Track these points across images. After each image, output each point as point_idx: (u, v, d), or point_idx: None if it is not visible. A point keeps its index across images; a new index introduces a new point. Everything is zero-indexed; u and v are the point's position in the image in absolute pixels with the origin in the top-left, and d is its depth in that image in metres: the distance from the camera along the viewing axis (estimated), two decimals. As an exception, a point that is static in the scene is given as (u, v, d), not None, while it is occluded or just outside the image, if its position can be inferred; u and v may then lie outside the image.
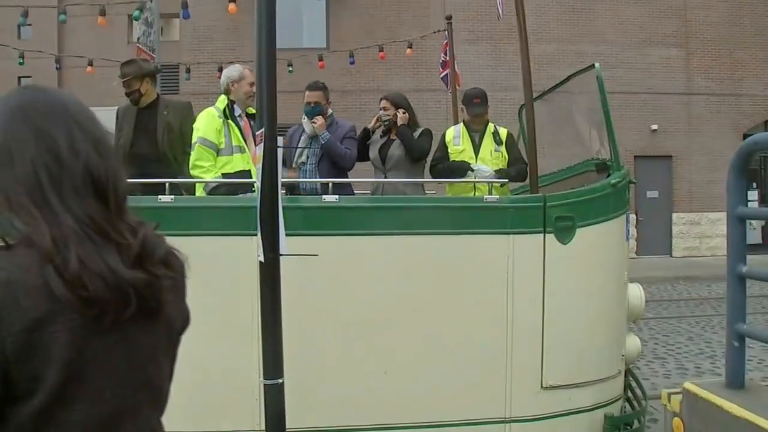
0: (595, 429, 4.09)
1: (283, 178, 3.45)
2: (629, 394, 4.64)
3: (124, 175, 1.20)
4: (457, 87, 8.04)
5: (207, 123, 4.70)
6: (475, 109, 5.33)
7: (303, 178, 4.96)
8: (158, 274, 1.13)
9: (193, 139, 4.70)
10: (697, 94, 17.73)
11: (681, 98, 17.65)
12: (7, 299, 1.00)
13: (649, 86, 17.32)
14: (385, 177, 5.12)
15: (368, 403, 3.80)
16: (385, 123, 5.19)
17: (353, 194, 5.14)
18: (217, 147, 4.68)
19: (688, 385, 3.63)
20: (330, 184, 4.24)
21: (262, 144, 2.91)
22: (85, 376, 1.06)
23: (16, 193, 1.07)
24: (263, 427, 3.04)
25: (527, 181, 4.78)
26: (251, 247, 3.18)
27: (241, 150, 4.74)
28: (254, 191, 3.50)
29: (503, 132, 5.39)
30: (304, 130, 5.13)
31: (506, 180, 5.04)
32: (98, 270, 1.04)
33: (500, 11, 5.42)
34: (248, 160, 4.65)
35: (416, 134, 5.14)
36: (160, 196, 3.73)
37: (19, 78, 30.52)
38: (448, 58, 8.31)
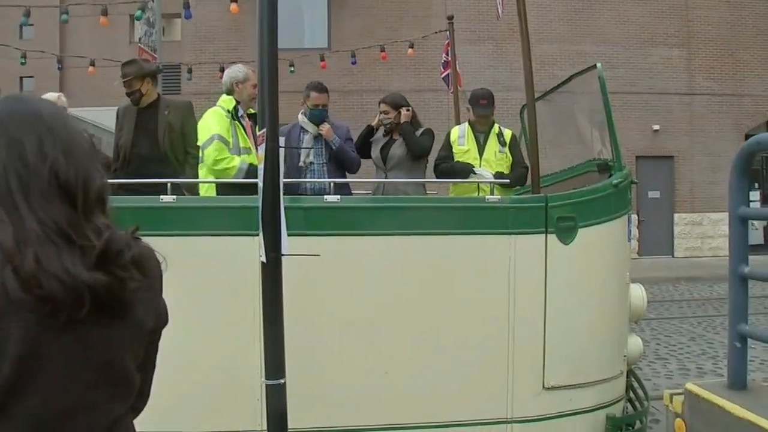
0: (597, 430, 4.09)
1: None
2: (631, 394, 4.63)
3: (99, 176, 1.23)
4: (458, 87, 8.05)
5: (219, 121, 4.72)
6: (481, 110, 5.33)
7: (311, 178, 4.96)
8: (122, 276, 1.17)
9: (205, 137, 4.69)
10: (699, 95, 17.71)
11: (683, 98, 17.64)
12: None
13: (650, 86, 17.31)
14: (386, 176, 5.13)
15: (369, 403, 3.79)
16: (387, 126, 5.20)
17: (351, 194, 5.14)
18: (228, 146, 4.71)
19: (690, 385, 3.62)
20: (332, 184, 4.25)
21: (264, 144, 2.91)
22: (38, 371, 1.10)
23: None
24: (265, 427, 3.04)
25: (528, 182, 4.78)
26: (253, 247, 3.18)
27: (248, 151, 4.74)
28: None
29: (507, 133, 5.39)
30: (302, 129, 5.12)
31: (505, 181, 5.05)
32: (54, 271, 1.08)
33: (499, 11, 5.41)
34: (254, 160, 4.66)
35: (418, 133, 5.15)
36: (162, 196, 3.73)
37: (21, 78, 30.60)
38: (449, 59, 8.30)
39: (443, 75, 8.65)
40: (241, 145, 4.79)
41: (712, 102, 17.75)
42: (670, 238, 17.75)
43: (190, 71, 12.59)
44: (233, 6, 8.77)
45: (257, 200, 2.98)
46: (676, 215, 17.72)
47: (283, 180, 3.00)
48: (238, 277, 3.61)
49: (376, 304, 3.83)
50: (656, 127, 17.41)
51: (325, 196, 3.93)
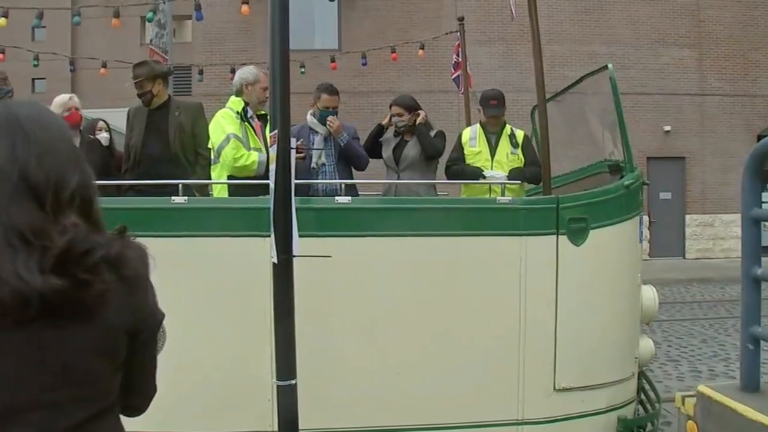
0: (609, 432, 4.08)
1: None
2: (642, 396, 4.62)
3: (79, 177, 1.26)
4: (468, 88, 8.03)
5: (231, 122, 4.74)
6: (491, 110, 5.31)
7: (323, 179, 4.96)
8: (85, 279, 1.18)
9: (220, 138, 4.69)
10: (710, 95, 17.62)
11: (694, 99, 17.55)
12: None
13: (661, 87, 17.24)
14: (399, 177, 5.12)
15: (380, 404, 3.79)
16: (401, 128, 5.20)
17: (358, 195, 5.14)
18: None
19: (702, 387, 3.60)
20: (342, 186, 4.25)
21: (275, 145, 2.92)
22: None
23: None
24: (276, 428, 3.05)
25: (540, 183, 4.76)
26: (264, 248, 3.19)
27: (259, 152, 4.75)
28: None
29: (520, 134, 5.37)
30: (311, 130, 5.12)
31: (518, 182, 5.04)
32: (6, 276, 1.12)
33: (513, 12, 5.40)
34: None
35: (431, 135, 5.16)
36: (173, 198, 3.75)
37: (33, 80, 30.77)
38: (460, 60, 8.28)
39: (454, 76, 8.64)
40: (252, 146, 4.80)
41: (724, 103, 17.66)
42: (681, 240, 17.67)
43: (200, 72, 12.60)
44: (244, 8, 8.77)
45: (269, 201, 2.99)
46: (687, 216, 17.64)
47: (294, 181, 3.00)
48: (249, 279, 3.62)
49: (387, 306, 3.83)
50: (667, 128, 17.34)
51: (336, 198, 3.94)
